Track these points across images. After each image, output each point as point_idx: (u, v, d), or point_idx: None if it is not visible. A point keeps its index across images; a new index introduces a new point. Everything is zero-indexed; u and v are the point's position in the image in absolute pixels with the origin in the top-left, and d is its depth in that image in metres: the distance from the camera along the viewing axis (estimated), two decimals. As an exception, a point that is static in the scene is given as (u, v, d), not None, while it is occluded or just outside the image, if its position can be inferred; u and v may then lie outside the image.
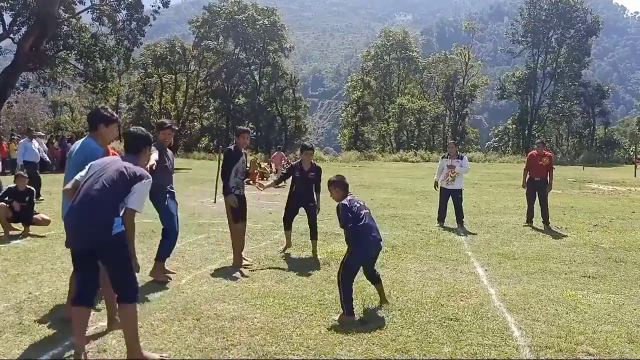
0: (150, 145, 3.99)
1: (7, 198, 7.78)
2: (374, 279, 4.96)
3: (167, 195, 5.71)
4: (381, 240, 4.86)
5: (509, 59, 77.97)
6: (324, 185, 6.08)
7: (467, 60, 53.86)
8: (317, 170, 7.28)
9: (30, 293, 4.94)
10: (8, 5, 25.47)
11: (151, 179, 3.62)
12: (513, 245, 8.01)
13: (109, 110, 4.50)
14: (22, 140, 11.69)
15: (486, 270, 6.37)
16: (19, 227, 7.88)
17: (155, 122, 43.82)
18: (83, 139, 4.46)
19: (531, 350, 3.98)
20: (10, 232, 7.67)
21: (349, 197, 4.81)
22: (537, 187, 9.95)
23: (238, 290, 5.28)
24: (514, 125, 54.45)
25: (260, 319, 4.46)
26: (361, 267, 4.81)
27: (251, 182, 13.59)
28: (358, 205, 4.75)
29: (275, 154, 25.67)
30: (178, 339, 3.99)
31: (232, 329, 4.21)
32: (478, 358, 3.81)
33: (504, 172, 26.08)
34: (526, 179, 10.19)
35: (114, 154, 5.06)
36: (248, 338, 4.04)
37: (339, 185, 4.91)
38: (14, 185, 7.97)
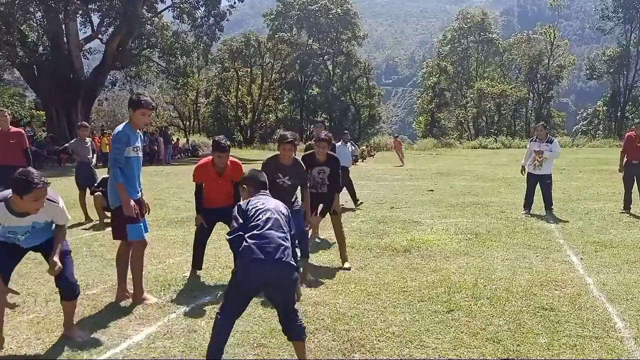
0: (26, 195, 3.26)
1: (102, 188, 8.25)
2: (290, 329, 3.20)
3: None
4: (290, 263, 3.13)
5: (598, 37, 72.99)
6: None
7: (552, 40, 50.83)
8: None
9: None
10: (96, 7, 27.10)
11: None
12: (610, 233, 7.44)
13: (143, 96, 4.41)
14: (338, 144, 10.86)
15: (581, 259, 5.96)
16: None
17: (231, 115, 44.32)
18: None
19: (637, 342, 3.67)
20: (105, 220, 8.12)
21: (254, 198, 3.40)
22: (636, 171, 9.17)
23: (319, 276, 5.27)
24: (604, 107, 50.92)
25: (343, 305, 4.42)
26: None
27: None
28: (259, 207, 3.27)
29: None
30: (263, 322, 4.04)
31: (315, 314, 4.20)
32: (578, 350, 3.55)
33: (594, 157, 24.42)
34: (623, 163, 9.43)
35: (233, 163, 5.10)
36: (332, 323, 4.01)
37: (250, 182, 3.56)
38: (108, 176, 8.43)
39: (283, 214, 3.32)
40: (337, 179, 5.70)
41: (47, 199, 3.44)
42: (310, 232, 7.07)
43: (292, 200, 5.23)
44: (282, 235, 3.17)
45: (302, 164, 5.30)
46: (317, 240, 7.05)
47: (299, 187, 5.28)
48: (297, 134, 5.38)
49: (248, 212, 3.24)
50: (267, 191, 3.54)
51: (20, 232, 3.54)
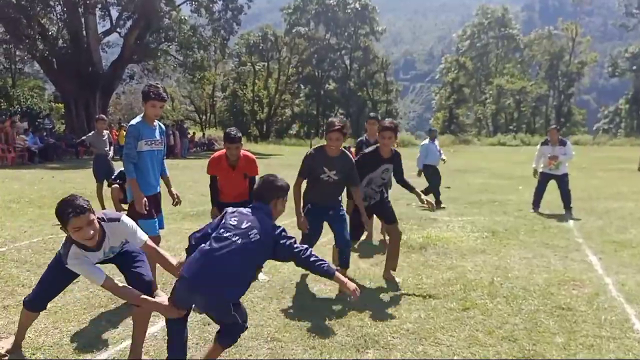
0: (67, 225, 2.79)
1: (118, 181, 8.33)
2: (220, 334, 3.00)
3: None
4: (213, 297, 2.74)
5: (621, 34, 71.53)
6: None
7: (573, 36, 49.97)
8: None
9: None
10: (115, 1, 27.30)
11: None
12: (630, 232, 7.31)
13: (153, 87, 4.33)
14: (425, 142, 10.35)
15: (600, 258, 5.86)
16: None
17: (247, 109, 44.92)
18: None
19: (657, 346, 3.59)
20: (122, 212, 8.20)
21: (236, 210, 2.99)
22: (659, 170, 8.98)
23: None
24: (627, 105, 49.99)
25: (358, 301, 4.39)
26: None
27: None
28: (231, 223, 2.86)
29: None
30: (277, 316, 4.04)
31: (329, 309, 4.19)
32: (595, 350, 3.49)
33: (615, 156, 24.01)
34: (645, 161, 9.23)
35: (247, 157, 5.04)
36: (346, 319, 4.00)
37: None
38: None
39: (260, 241, 2.80)
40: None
41: (105, 220, 3.03)
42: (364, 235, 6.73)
43: (339, 199, 4.82)
44: (233, 266, 2.72)
45: (350, 156, 4.72)
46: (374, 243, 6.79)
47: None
48: (346, 121, 4.76)
49: (222, 222, 2.91)
50: (263, 202, 3.02)
51: (96, 259, 3.12)
